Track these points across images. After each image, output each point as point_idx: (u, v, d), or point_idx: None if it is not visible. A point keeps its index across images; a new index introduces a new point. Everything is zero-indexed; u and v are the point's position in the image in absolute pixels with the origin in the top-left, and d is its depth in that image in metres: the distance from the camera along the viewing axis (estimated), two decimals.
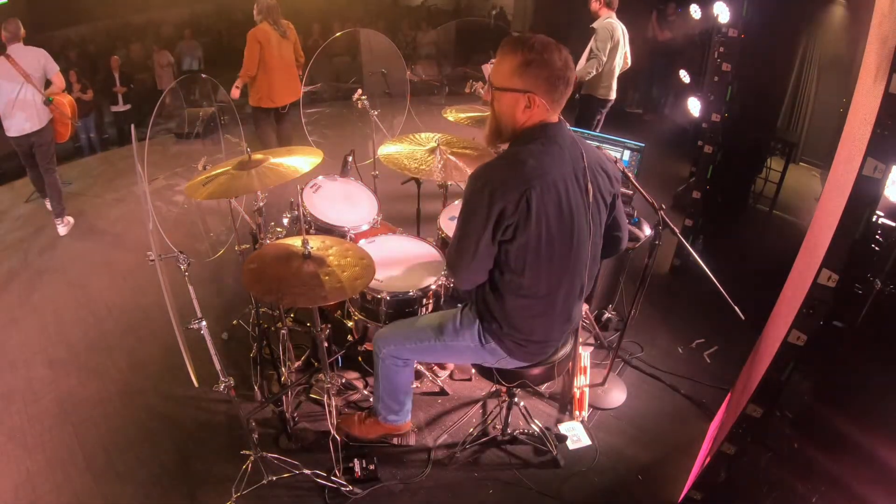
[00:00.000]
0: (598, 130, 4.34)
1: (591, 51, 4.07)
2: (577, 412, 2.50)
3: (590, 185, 1.56)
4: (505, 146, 1.61)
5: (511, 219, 1.47)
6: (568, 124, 1.59)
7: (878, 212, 1.38)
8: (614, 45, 4.04)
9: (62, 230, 4.11)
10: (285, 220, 2.63)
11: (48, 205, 4.22)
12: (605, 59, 4.01)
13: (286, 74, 4.29)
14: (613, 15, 4.04)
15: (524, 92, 1.46)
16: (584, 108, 4.42)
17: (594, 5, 4.08)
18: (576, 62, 4.00)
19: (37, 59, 3.73)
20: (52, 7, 6.79)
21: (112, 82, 6.56)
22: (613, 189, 1.67)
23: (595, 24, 4.04)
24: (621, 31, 4.06)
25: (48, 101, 3.79)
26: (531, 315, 1.70)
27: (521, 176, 1.45)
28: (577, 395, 2.54)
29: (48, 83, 3.84)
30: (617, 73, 4.24)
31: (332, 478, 2.12)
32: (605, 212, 1.67)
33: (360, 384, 2.60)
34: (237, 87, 4.17)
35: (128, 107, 6.67)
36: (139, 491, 2.17)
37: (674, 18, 6.09)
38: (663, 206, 2.12)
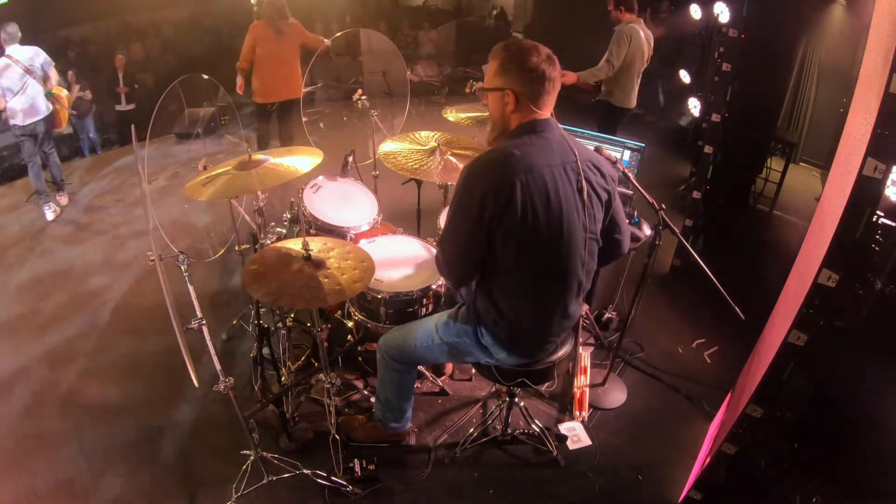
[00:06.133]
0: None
1: (606, 55, 3.92)
2: (577, 412, 2.50)
3: (581, 178, 1.58)
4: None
5: (496, 209, 1.50)
6: (558, 123, 1.62)
7: (878, 212, 1.38)
8: (633, 51, 3.84)
9: (62, 201, 4.58)
10: (285, 220, 2.63)
11: (47, 214, 4.37)
12: (617, 64, 3.81)
13: (280, 72, 4.35)
14: (636, 19, 3.87)
15: (502, 89, 1.56)
16: (602, 115, 4.22)
17: (612, 14, 3.89)
18: (585, 65, 3.99)
19: (34, 57, 4.08)
20: (53, 7, 6.79)
21: (115, 82, 6.56)
22: (608, 186, 1.66)
23: (616, 28, 3.88)
24: (644, 36, 3.88)
25: (49, 95, 4.19)
26: (524, 308, 1.70)
27: (505, 166, 1.51)
28: (577, 395, 2.54)
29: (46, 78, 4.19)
30: (637, 80, 4.04)
31: (332, 478, 2.12)
32: (600, 208, 1.67)
33: (360, 384, 2.60)
34: (239, 81, 4.31)
35: (131, 106, 6.66)
36: (139, 491, 2.17)
37: (666, 16, 6.06)
38: (663, 206, 2.12)
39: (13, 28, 3.96)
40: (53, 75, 4.24)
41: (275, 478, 2.12)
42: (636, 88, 4.07)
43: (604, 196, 1.66)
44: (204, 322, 1.74)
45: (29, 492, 2.16)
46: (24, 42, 4.04)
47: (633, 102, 4.12)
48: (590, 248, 1.67)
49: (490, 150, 1.61)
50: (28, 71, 3.98)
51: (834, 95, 4.92)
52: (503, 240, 1.55)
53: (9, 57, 3.93)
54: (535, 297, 1.67)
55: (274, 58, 4.26)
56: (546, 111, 1.59)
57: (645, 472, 2.28)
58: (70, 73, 6.02)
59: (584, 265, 1.68)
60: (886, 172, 1.29)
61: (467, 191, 1.53)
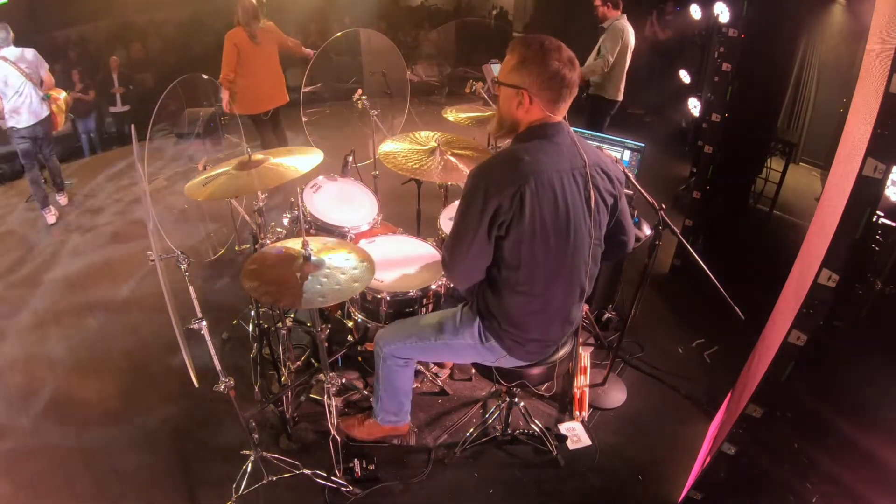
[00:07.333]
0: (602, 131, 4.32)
1: (598, 50, 4.06)
2: (577, 412, 2.50)
3: (590, 184, 1.56)
4: (506, 141, 1.63)
5: (506, 215, 1.49)
6: (570, 126, 1.60)
7: (878, 212, 1.38)
8: (624, 46, 4.01)
9: (62, 201, 4.63)
10: (285, 220, 2.63)
11: (48, 218, 4.35)
12: (612, 59, 3.97)
13: (268, 78, 4.13)
14: (622, 16, 4.01)
15: (517, 88, 1.51)
16: (592, 109, 4.38)
17: (600, 10, 4.04)
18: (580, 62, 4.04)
19: (29, 59, 4.00)
20: (53, 7, 6.78)
21: (110, 83, 6.55)
22: (615, 190, 1.66)
23: (605, 24, 4.03)
24: (631, 32, 4.04)
25: (46, 97, 4.12)
26: (529, 313, 1.70)
27: (516, 172, 1.48)
28: (577, 395, 2.54)
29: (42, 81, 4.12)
30: (625, 73, 4.21)
31: (332, 478, 2.12)
32: (606, 213, 1.67)
33: (360, 384, 2.60)
34: (224, 97, 4.02)
35: (126, 107, 6.66)
36: (140, 491, 2.17)
37: (672, 17, 6.08)
38: (663, 206, 2.12)
39: (5, 31, 3.88)
40: (48, 78, 4.13)
41: (275, 478, 2.12)
42: (624, 81, 4.24)
43: (609, 201, 1.66)
44: (204, 322, 1.74)
45: (29, 492, 2.16)
46: (23, 43, 4.00)
47: (622, 95, 4.29)
48: (594, 253, 1.67)
49: (498, 153, 1.58)
50: (24, 73, 3.90)
51: (834, 95, 4.91)
52: (511, 245, 1.54)
53: (3, 59, 3.85)
54: (538, 300, 1.67)
55: (258, 64, 4.01)
56: (559, 116, 1.56)
57: (645, 472, 2.28)
58: (74, 72, 6.03)
59: (588, 271, 1.68)
60: (886, 172, 1.29)
61: (476, 195, 1.50)
